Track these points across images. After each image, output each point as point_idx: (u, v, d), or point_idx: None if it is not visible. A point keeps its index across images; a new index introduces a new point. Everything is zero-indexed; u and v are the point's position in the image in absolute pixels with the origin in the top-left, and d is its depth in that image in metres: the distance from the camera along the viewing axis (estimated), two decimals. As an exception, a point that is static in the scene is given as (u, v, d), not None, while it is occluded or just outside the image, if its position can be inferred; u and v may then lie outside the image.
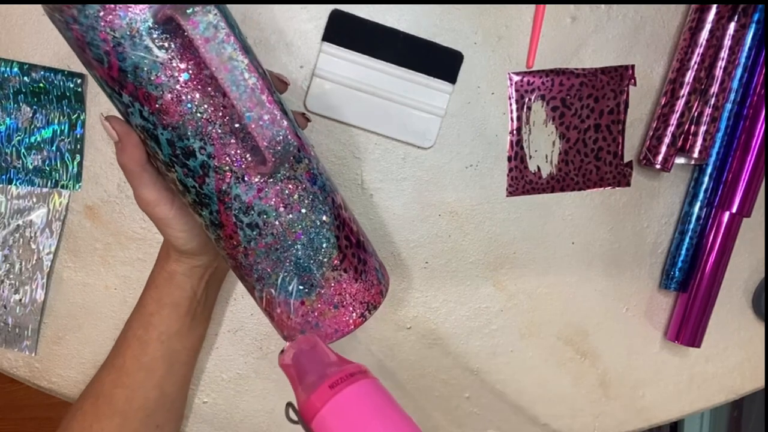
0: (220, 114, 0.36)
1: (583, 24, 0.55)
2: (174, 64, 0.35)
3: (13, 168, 0.53)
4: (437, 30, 0.53)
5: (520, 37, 0.54)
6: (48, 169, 0.53)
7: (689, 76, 0.53)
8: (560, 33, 0.55)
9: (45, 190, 0.53)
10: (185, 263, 0.46)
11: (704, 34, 0.53)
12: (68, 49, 0.52)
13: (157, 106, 0.35)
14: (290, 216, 0.39)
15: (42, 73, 0.52)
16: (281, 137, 0.36)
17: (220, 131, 0.36)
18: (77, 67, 0.52)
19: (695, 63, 0.53)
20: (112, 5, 0.33)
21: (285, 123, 0.37)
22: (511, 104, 0.55)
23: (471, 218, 0.56)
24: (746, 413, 1.06)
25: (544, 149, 0.56)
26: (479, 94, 0.55)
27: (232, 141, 0.37)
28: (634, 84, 0.56)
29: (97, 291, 0.55)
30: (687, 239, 0.57)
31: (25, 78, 0.52)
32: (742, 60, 0.54)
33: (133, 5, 0.33)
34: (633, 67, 0.56)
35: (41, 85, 0.52)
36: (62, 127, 0.53)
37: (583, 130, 0.56)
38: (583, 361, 0.60)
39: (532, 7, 0.54)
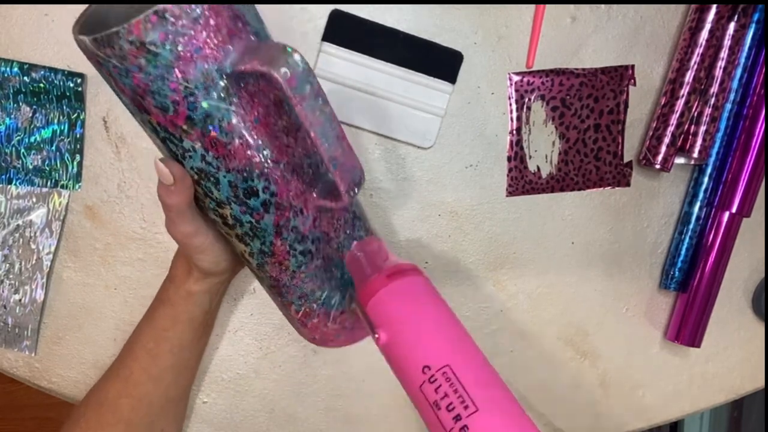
0: (285, 154, 0.36)
1: (583, 24, 0.55)
2: (246, 110, 0.33)
3: (12, 168, 0.53)
4: (437, 30, 0.53)
5: (520, 37, 0.54)
6: (48, 169, 0.53)
7: (689, 76, 0.53)
8: (560, 33, 0.55)
9: (45, 190, 0.53)
10: (208, 282, 0.45)
11: (704, 34, 0.53)
12: (68, 49, 0.52)
13: (224, 151, 0.34)
14: (339, 238, 0.40)
15: (42, 72, 0.52)
16: (358, 178, 0.36)
17: (283, 170, 0.36)
18: (77, 66, 0.52)
19: (695, 63, 0.53)
20: (189, 55, 0.31)
21: (360, 164, 0.36)
22: (511, 104, 0.55)
23: (471, 218, 0.56)
24: (746, 413, 1.06)
25: (544, 149, 0.56)
26: (479, 94, 0.55)
27: (295, 177, 0.36)
28: (634, 84, 0.56)
29: (97, 291, 0.55)
30: (687, 239, 0.57)
31: (25, 78, 0.52)
32: (742, 60, 0.54)
33: (210, 54, 0.31)
34: (633, 67, 0.56)
35: (41, 84, 0.52)
36: (62, 127, 0.53)
37: (583, 130, 0.56)
38: (583, 361, 0.60)
39: (532, 7, 0.54)
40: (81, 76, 0.52)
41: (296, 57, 0.31)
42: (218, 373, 0.57)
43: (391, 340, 0.35)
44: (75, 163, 0.53)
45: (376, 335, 0.36)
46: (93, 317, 0.55)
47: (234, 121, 0.33)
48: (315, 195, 0.37)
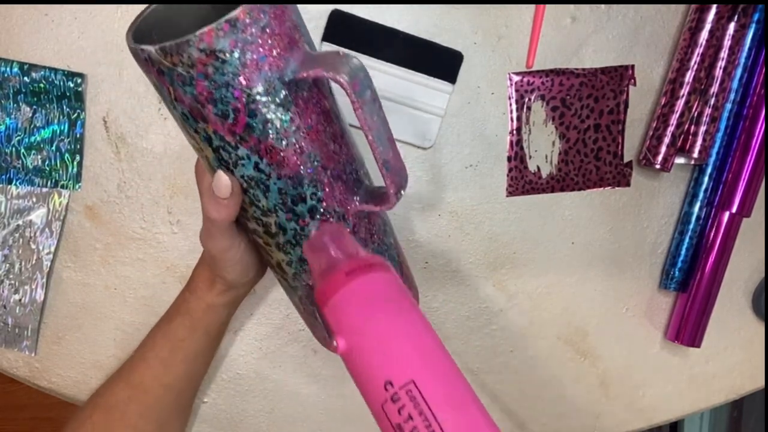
0: (332, 160, 0.36)
1: (583, 24, 0.55)
2: (303, 116, 0.34)
3: (12, 168, 0.53)
4: (437, 30, 0.53)
5: (520, 37, 0.54)
6: (48, 169, 0.53)
7: (689, 76, 0.53)
8: (560, 33, 0.55)
9: (45, 190, 0.53)
10: (231, 295, 0.45)
11: (704, 34, 0.53)
12: (68, 49, 0.52)
13: (278, 158, 0.35)
14: (374, 245, 0.41)
15: (42, 72, 0.52)
16: (405, 181, 0.37)
17: (330, 177, 0.37)
18: (77, 66, 0.52)
19: (695, 63, 0.53)
20: (254, 63, 0.31)
21: (405, 167, 0.37)
22: (511, 104, 0.55)
23: (471, 218, 0.56)
24: (746, 413, 1.06)
25: (544, 149, 0.56)
26: (479, 94, 0.55)
27: (339, 184, 0.37)
28: (634, 84, 0.56)
29: (97, 291, 0.55)
30: (687, 239, 0.57)
31: (25, 78, 0.52)
32: (742, 60, 0.54)
33: (272, 62, 0.32)
34: (633, 67, 0.56)
35: (41, 84, 0.52)
36: (62, 127, 0.53)
37: (583, 130, 0.56)
38: (583, 361, 0.59)
39: (532, 7, 0.54)
40: (81, 76, 0.52)
41: (356, 62, 0.32)
42: (218, 373, 0.57)
43: (351, 348, 0.31)
44: (75, 163, 0.53)
45: (334, 343, 0.31)
46: (93, 317, 0.55)
47: (290, 127, 0.34)
48: (357, 201, 0.38)
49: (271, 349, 0.57)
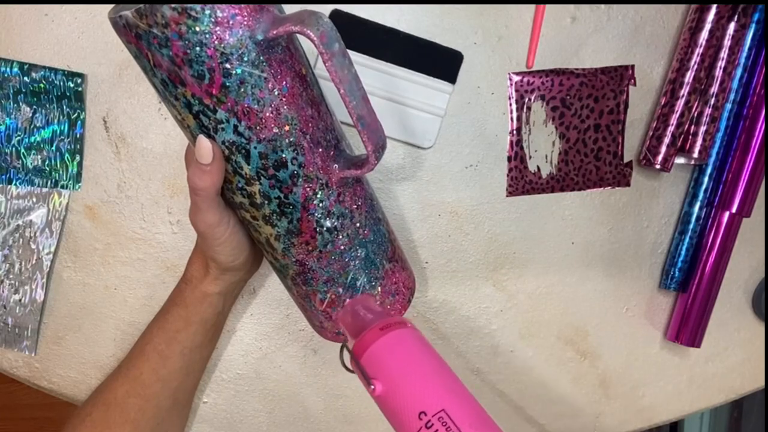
0: (311, 125, 0.37)
1: (583, 24, 0.55)
2: (278, 77, 0.35)
3: (12, 168, 0.53)
4: (437, 30, 0.53)
5: (520, 37, 0.54)
6: (48, 169, 0.53)
7: (689, 76, 0.53)
8: (560, 33, 0.55)
9: (45, 190, 0.53)
10: (224, 281, 0.46)
11: (704, 34, 0.53)
12: (68, 49, 0.52)
13: (256, 120, 0.36)
14: (361, 216, 0.42)
15: (42, 72, 0.52)
16: (383, 141, 0.38)
17: (310, 141, 0.37)
18: (77, 66, 0.52)
19: (695, 63, 0.53)
20: (225, 20, 0.33)
21: (382, 127, 0.38)
22: (511, 104, 0.55)
23: (471, 218, 0.56)
24: (746, 413, 1.06)
25: (544, 149, 0.56)
26: (479, 94, 0.55)
27: (319, 149, 0.38)
28: (634, 84, 0.56)
29: (97, 291, 0.55)
30: (687, 239, 0.57)
31: (25, 78, 0.52)
32: (742, 60, 0.54)
33: (243, 20, 0.33)
34: (633, 67, 0.56)
35: (41, 84, 0.52)
36: (62, 127, 0.53)
37: (583, 130, 0.56)
38: (583, 361, 0.60)
39: (532, 7, 0.54)
40: (81, 76, 0.52)
41: (325, 19, 0.33)
42: (218, 373, 0.57)
43: (387, 389, 0.37)
44: (75, 163, 0.53)
45: (372, 386, 0.37)
46: (93, 317, 0.55)
47: (265, 88, 0.35)
48: (337, 168, 0.39)
49: (271, 349, 0.57)
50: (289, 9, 0.52)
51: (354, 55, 0.52)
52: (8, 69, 0.51)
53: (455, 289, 0.57)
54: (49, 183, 0.53)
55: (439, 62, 0.53)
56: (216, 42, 0.33)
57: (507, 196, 0.56)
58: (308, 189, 0.38)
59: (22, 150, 0.53)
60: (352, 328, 0.41)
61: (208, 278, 0.45)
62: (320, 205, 0.39)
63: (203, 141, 0.36)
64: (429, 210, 0.56)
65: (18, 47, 0.52)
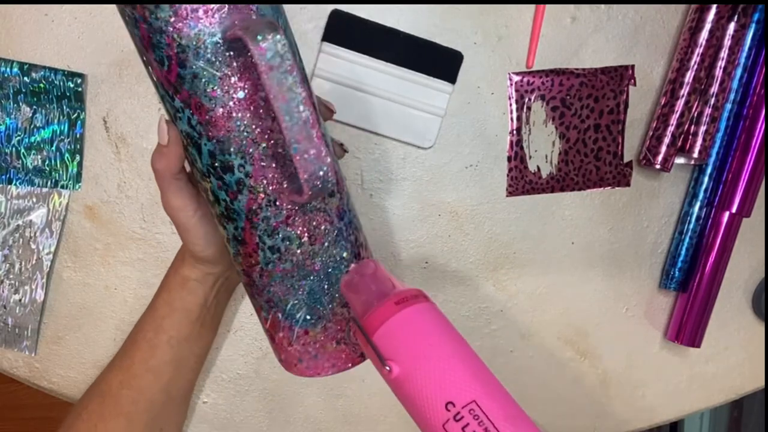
0: (266, 137, 0.37)
1: (583, 24, 0.55)
2: (232, 81, 0.35)
3: (12, 168, 0.53)
4: (437, 30, 0.53)
5: (520, 37, 0.54)
6: (48, 169, 0.53)
7: (689, 76, 0.53)
8: (560, 33, 0.55)
9: (45, 190, 0.53)
10: (200, 270, 0.46)
11: (704, 34, 0.53)
12: (68, 49, 0.52)
13: (206, 117, 0.36)
14: (312, 247, 0.39)
15: (42, 72, 0.52)
16: (322, 173, 0.36)
17: (262, 153, 0.37)
18: (77, 66, 0.52)
19: (695, 63, 0.53)
20: (185, 14, 0.33)
21: (328, 160, 0.36)
22: (511, 104, 0.55)
23: (471, 218, 0.56)
24: (746, 413, 1.06)
25: (544, 149, 0.56)
26: (479, 94, 0.55)
27: (273, 165, 0.37)
28: (634, 84, 0.56)
29: (97, 291, 0.55)
30: (687, 239, 0.57)
31: (25, 78, 0.52)
32: (742, 60, 0.54)
33: (204, 18, 0.34)
34: (633, 67, 0.56)
35: (41, 85, 0.52)
36: (62, 127, 0.53)
37: (583, 130, 0.56)
38: (583, 361, 0.59)
39: (532, 7, 0.54)
40: (81, 76, 0.52)
41: (277, 33, 0.32)
42: (218, 373, 0.57)
43: (406, 373, 0.33)
44: (75, 163, 0.53)
45: (388, 368, 0.33)
46: (93, 317, 0.55)
47: (219, 88, 0.35)
48: (287, 188, 0.37)
49: (271, 349, 0.57)
50: (290, 10, 0.52)
51: (354, 55, 0.52)
52: (8, 69, 0.51)
53: (455, 289, 0.57)
54: (49, 183, 0.53)
55: (439, 62, 0.53)
56: (174, 32, 0.34)
57: (507, 196, 0.56)
58: (252, 201, 0.38)
59: (22, 150, 0.53)
60: (359, 300, 0.37)
61: (185, 264, 0.46)
62: (265, 221, 0.38)
63: (162, 122, 0.38)
64: (429, 210, 0.56)
65: (18, 47, 0.52)
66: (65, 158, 0.53)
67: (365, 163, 0.55)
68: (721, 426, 1.07)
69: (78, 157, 0.53)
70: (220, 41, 0.34)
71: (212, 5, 0.34)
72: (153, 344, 0.47)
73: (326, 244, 0.40)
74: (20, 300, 0.54)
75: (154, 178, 0.41)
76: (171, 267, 0.48)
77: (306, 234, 0.39)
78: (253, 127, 0.36)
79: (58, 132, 0.53)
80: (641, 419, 0.61)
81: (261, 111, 0.36)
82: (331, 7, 0.52)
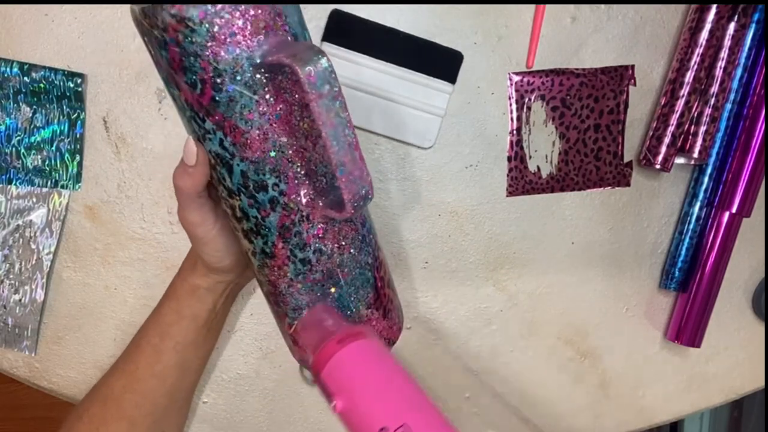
0: (300, 156, 0.36)
1: (583, 24, 0.55)
2: (270, 103, 0.35)
3: (12, 168, 0.53)
4: (437, 30, 0.53)
5: (520, 37, 0.54)
6: (48, 169, 0.53)
7: (689, 76, 0.53)
8: (560, 33, 0.55)
9: (45, 190, 0.53)
10: (212, 279, 0.46)
11: (704, 34, 0.53)
12: (68, 49, 0.52)
13: (242, 139, 0.35)
14: (342, 256, 0.40)
15: (42, 72, 0.52)
16: (364, 192, 0.36)
17: (296, 172, 0.37)
18: (77, 66, 0.52)
19: (695, 63, 0.53)
20: (223, 38, 0.33)
21: (369, 179, 0.36)
22: (511, 104, 0.55)
23: (471, 218, 0.56)
24: (746, 413, 1.06)
25: (544, 149, 0.56)
26: (479, 94, 0.55)
27: (306, 182, 0.37)
28: (634, 84, 0.56)
29: (97, 291, 0.55)
30: (687, 239, 0.57)
31: (25, 78, 0.52)
32: (742, 60, 0.54)
33: (243, 41, 0.33)
34: (633, 67, 0.56)
35: (41, 85, 0.52)
36: (62, 127, 0.53)
37: (583, 130, 0.56)
38: (583, 361, 0.60)
39: (532, 7, 0.54)
40: (81, 76, 0.52)
41: (323, 58, 0.33)
42: (218, 373, 0.57)
43: (347, 405, 0.35)
44: (75, 163, 0.53)
45: (333, 403, 0.35)
46: (93, 317, 0.55)
47: (255, 111, 0.35)
48: (321, 204, 0.38)
49: (271, 349, 0.57)
50: (289, 9, 0.52)
51: (354, 55, 0.52)
52: (8, 69, 0.51)
53: (455, 289, 0.57)
54: (49, 183, 0.53)
55: (439, 62, 0.53)
56: (210, 56, 0.33)
57: (507, 196, 0.56)
58: (286, 218, 0.38)
59: (22, 150, 0.53)
60: (312, 341, 0.40)
61: (196, 273, 0.46)
62: (297, 235, 0.38)
63: (190, 143, 0.37)
64: (429, 210, 0.56)
65: (18, 47, 0.52)
66: (65, 158, 0.53)
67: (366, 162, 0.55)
68: (721, 426, 1.07)
69: (78, 157, 0.53)
70: (259, 64, 0.34)
71: (250, 28, 0.33)
72: (158, 349, 0.47)
73: (353, 251, 0.41)
74: (20, 300, 0.54)
75: (174, 193, 0.40)
76: (178, 275, 0.47)
77: (336, 245, 0.40)
78: (288, 146, 0.36)
79: (58, 132, 0.53)
80: (641, 419, 0.61)
81: (296, 130, 0.36)
82: (331, 7, 0.52)
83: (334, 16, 0.52)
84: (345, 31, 0.52)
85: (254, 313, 0.56)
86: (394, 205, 0.56)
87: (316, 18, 0.52)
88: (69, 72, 0.52)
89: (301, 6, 0.52)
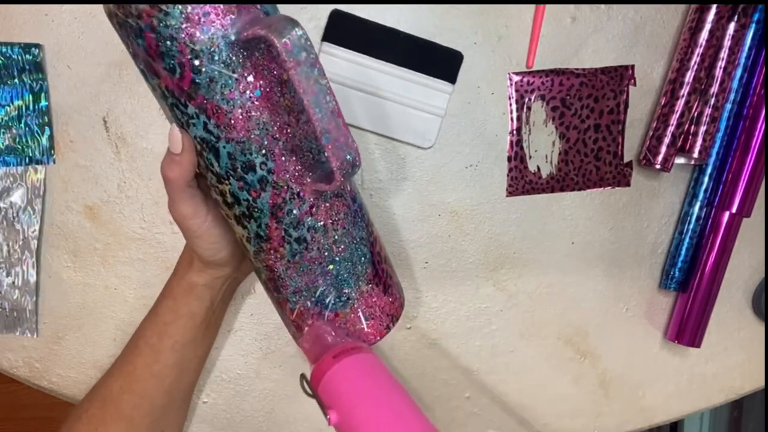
0: (285, 132, 0.37)
1: (583, 24, 0.55)
2: (249, 80, 0.35)
3: None
4: (437, 30, 0.53)
5: (520, 37, 0.54)
6: (20, 147, 0.53)
7: (689, 76, 0.53)
8: (560, 33, 0.55)
9: (20, 169, 0.53)
10: (208, 274, 0.46)
11: (704, 34, 0.53)
12: (68, 48, 0.52)
13: (225, 120, 0.36)
14: (336, 232, 0.40)
15: None
16: (350, 158, 0.36)
17: (282, 148, 0.37)
18: (77, 66, 0.52)
19: (695, 63, 0.53)
20: (197, 18, 0.33)
21: (355, 144, 0.37)
22: (511, 104, 0.55)
23: (471, 218, 0.56)
24: (746, 413, 1.06)
25: (544, 149, 0.56)
26: (479, 94, 0.55)
27: (293, 158, 0.37)
28: (634, 84, 0.56)
29: (97, 291, 0.55)
30: (687, 239, 0.57)
31: None
32: (742, 60, 0.54)
33: (217, 20, 0.33)
34: (633, 67, 0.56)
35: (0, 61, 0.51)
36: (26, 101, 0.52)
37: (583, 130, 0.56)
38: (583, 361, 0.60)
39: (532, 7, 0.54)
40: (38, 46, 0.51)
41: (297, 27, 0.33)
42: (218, 373, 0.57)
43: (342, 419, 0.36)
44: (45, 136, 0.53)
45: (328, 416, 0.36)
46: (93, 317, 0.55)
47: (236, 89, 0.35)
48: (310, 179, 0.38)
49: (271, 349, 0.57)
50: (290, 10, 0.52)
51: (354, 55, 0.52)
52: None
53: (455, 289, 0.57)
54: (23, 161, 0.53)
55: (439, 62, 0.53)
56: (186, 38, 0.33)
57: (507, 196, 0.56)
58: (277, 196, 0.38)
59: None
60: (312, 354, 0.41)
61: (192, 270, 0.46)
62: (290, 214, 0.39)
63: (174, 130, 0.37)
64: (429, 210, 0.56)
65: (18, 47, 0.52)
66: (35, 132, 0.53)
67: (365, 163, 0.55)
68: (721, 426, 1.07)
69: (48, 130, 0.53)
70: (235, 42, 0.34)
71: (222, 6, 0.33)
72: (156, 349, 0.47)
73: (347, 226, 0.41)
74: (13, 282, 0.54)
75: (164, 187, 0.40)
76: (174, 274, 0.47)
77: (329, 220, 0.40)
78: (272, 123, 0.36)
79: (23, 107, 0.52)
80: (641, 419, 0.61)
81: (278, 106, 0.36)
82: (331, 7, 0.52)
83: (334, 16, 0.52)
84: (345, 31, 0.52)
85: (254, 313, 0.56)
86: (394, 205, 0.56)
87: (316, 18, 0.52)
88: (25, 44, 0.51)
89: (301, 6, 0.52)
